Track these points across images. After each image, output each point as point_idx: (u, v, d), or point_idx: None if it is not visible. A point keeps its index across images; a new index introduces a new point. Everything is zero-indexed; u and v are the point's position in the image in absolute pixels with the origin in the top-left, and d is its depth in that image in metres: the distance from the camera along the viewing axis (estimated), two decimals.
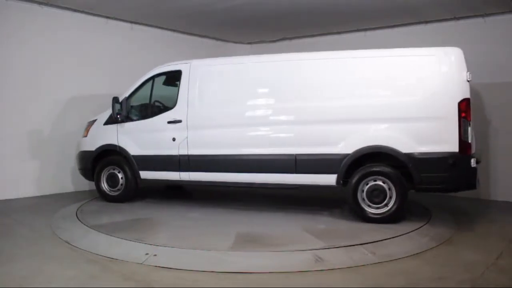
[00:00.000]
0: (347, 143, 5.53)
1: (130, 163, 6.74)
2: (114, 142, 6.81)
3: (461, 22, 7.70)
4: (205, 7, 7.76)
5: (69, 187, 8.19)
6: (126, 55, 8.82)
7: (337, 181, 5.60)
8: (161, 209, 6.56)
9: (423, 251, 4.46)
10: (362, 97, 5.57)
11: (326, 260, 4.13)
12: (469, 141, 5.17)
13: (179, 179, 6.48)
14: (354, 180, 5.50)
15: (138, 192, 7.00)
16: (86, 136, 7.19)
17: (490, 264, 4.08)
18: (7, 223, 5.74)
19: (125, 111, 6.73)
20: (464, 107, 5.15)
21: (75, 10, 7.93)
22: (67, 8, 7.82)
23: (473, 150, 5.31)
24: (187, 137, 6.32)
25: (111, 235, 4.92)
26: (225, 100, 6.25)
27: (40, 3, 7.51)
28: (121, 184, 6.87)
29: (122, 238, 4.76)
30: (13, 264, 4.14)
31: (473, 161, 5.19)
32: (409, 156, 5.29)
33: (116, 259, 4.25)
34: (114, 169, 6.92)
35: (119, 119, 6.76)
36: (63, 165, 8.11)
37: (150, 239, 4.73)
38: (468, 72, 5.22)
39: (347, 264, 4.08)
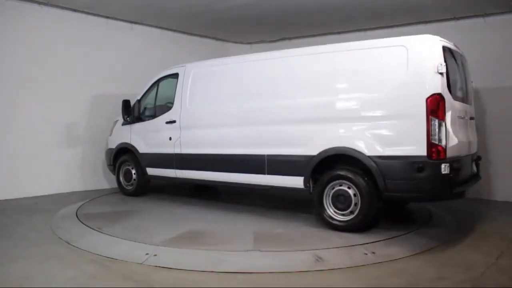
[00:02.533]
0: (312, 144, 5.24)
1: (139, 160, 7.29)
2: (128, 141, 7.46)
3: (461, 22, 7.70)
4: (205, 7, 7.77)
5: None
6: (126, 55, 8.83)
7: (304, 183, 5.34)
8: (156, 203, 7.04)
9: (423, 251, 4.45)
10: (325, 95, 5.23)
11: (326, 260, 4.13)
12: (441, 144, 4.51)
13: (175, 176, 6.83)
14: (320, 183, 5.20)
15: (149, 186, 7.79)
16: (111, 135, 7.89)
17: (490, 264, 4.07)
18: (7, 223, 5.74)
19: (137, 113, 7.35)
20: (434, 103, 4.51)
21: (75, 10, 7.94)
22: (67, 8, 7.83)
23: (452, 154, 4.65)
24: (180, 137, 6.65)
25: (84, 224, 5.51)
26: (208, 101, 6.46)
27: (40, 3, 7.52)
28: (134, 179, 7.53)
29: (120, 238, 4.85)
30: (13, 264, 4.14)
31: (444, 167, 4.50)
32: (373, 159, 4.79)
33: (116, 259, 4.24)
34: (128, 166, 7.57)
35: (128, 120, 7.41)
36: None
37: (107, 229, 5.21)
38: (441, 63, 4.56)
39: (347, 264, 4.07)
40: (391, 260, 4.18)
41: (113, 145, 7.74)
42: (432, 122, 4.50)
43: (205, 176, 6.44)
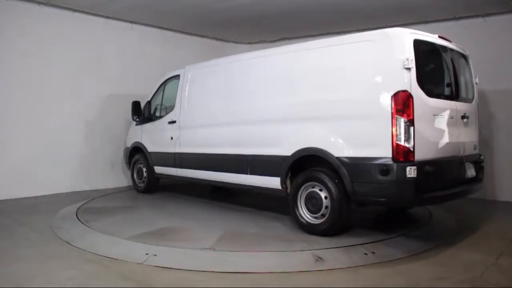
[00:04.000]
0: (286, 145, 5.16)
1: (148, 159, 7.60)
2: (140, 140, 7.81)
3: (461, 22, 7.70)
4: (205, 7, 7.77)
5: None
6: (126, 55, 8.83)
7: (281, 184, 5.26)
8: (156, 200, 7.34)
9: (423, 251, 4.45)
10: (294, 95, 5.16)
11: (326, 260, 4.13)
12: (408, 145, 4.19)
13: (176, 174, 7.06)
14: (295, 185, 5.08)
15: (163, 184, 8.20)
16: (128, 134, 8.29)
17: (490, 264, 4.07)
18: (7, 223, 5.74)
19: (147, 113, 7.64)
20: (400, 101, 4.20)
21: (75, 10, 7.94)
22: (67, 8, 7.83)
23: (425, 156, 4.34)
24: (179, 137, 6.85)
25: (80, 220, 5.72)
26: (200, 102, 6.63)
27: (40, 3, 7.52)
28: (145, 177, 7.82)
29: (121, 238, 4.86)
30: (13, 264, 4.14)
31: (409, 170, 4.16)
32: (341, 160, 4.58)
33: (116, 259, 4.25)
34: (140, 164, 7.89)
35: (137, 121, 7.75)
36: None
37: (92, 223, 5.51)
38: (408, 58, 4.21)
39: (347, 264, 4.07)
40: (391, 260, 4.18)
41: (129, 143, 8.13)
42: (398, 122, 4.20)
43: (200, 175, 6.59)
